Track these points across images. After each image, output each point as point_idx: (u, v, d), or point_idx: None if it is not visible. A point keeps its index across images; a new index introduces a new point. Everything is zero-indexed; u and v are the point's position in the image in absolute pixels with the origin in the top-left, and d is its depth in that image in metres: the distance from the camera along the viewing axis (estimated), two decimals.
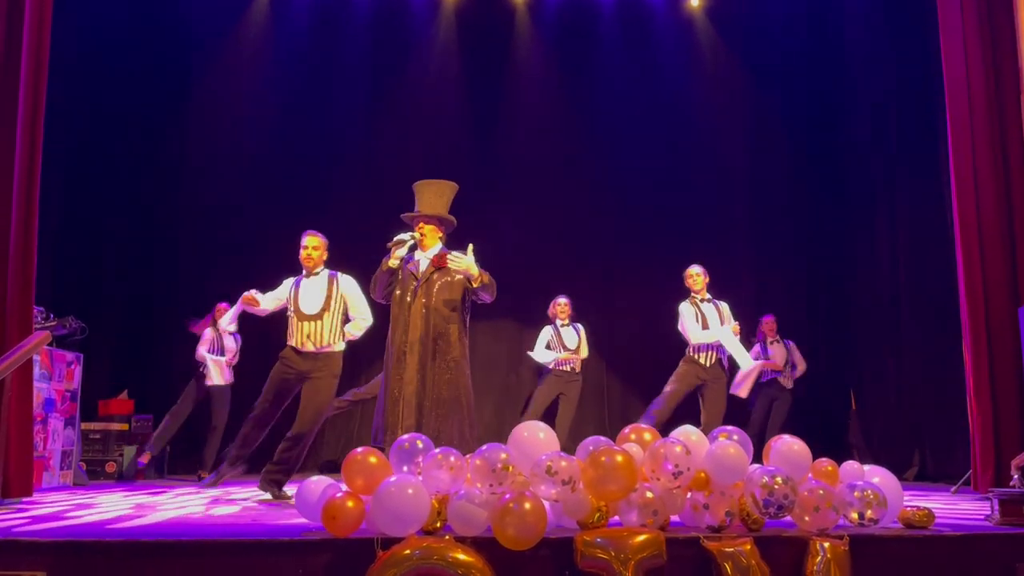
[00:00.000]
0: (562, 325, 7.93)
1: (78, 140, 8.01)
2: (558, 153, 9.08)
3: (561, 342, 7.86)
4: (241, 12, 8.94)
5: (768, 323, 8.19)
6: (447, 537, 2.91)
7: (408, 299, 4.82)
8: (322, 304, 5.37)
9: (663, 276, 7.87)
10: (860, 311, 8.21)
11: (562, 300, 8.00)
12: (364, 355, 7.97)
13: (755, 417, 7.96)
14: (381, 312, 5.30)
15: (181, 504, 4.76)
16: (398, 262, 4.88)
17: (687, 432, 3.43)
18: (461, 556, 2.79)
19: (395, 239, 4.88)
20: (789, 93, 9.08)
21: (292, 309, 5.43)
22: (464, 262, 4.79)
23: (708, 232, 8.90)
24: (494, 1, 9.17)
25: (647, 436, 3.43)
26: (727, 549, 2.91)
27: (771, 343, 8.13)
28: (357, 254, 8.33)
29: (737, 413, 7.31)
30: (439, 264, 4.86)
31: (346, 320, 5.51)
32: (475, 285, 4.80)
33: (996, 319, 5.63)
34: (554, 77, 9.22)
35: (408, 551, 2.79)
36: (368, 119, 9.02)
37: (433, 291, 4.80)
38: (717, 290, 6.98)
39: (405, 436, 3.41)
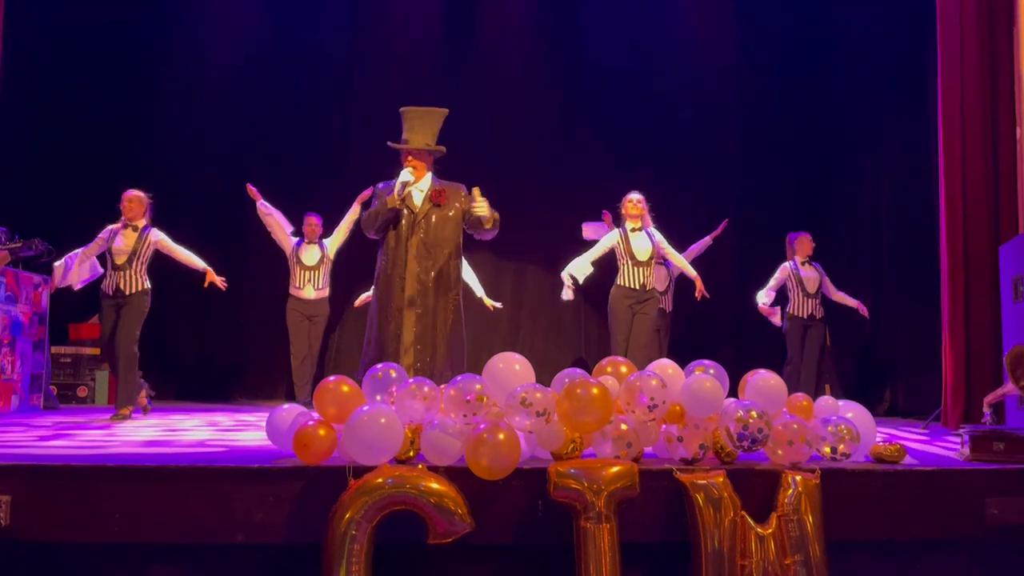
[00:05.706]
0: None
1: (48, 64, 7.81)
2: (542, 87, 8.88)
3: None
4: None
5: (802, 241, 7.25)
6: (420, 466, 2.89)
7: (405, 235, 4.65)
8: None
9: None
10: (837, 247, 8.17)
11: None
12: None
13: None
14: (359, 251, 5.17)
15: (154, 429, 4.72)
16: (401, 201, 4.66)
17: (663, 366, 3.41)
18: (434, 485, 2.78)
19: (400, 182, 4.64)
20: (777, 30, 8.89)
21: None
22: (485, 207, 4.67)
23: (691, 165, 8.79)
24: None
25: (623, 369, 3.41)
26: (700, 481, 2.92)
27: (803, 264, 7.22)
28: (335, 180, 8.24)
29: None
30: (437, 200, 4.70)
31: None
32: (488, 226, 4.71)
33: (975, 257, 5.65)
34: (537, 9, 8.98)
35: (380, 480, 2.77)
36: (346, 44, 8.76)
37: (432, 227, 4.66)
38: (701, 226, 6.85)
39: (379, 365, 3.36)
